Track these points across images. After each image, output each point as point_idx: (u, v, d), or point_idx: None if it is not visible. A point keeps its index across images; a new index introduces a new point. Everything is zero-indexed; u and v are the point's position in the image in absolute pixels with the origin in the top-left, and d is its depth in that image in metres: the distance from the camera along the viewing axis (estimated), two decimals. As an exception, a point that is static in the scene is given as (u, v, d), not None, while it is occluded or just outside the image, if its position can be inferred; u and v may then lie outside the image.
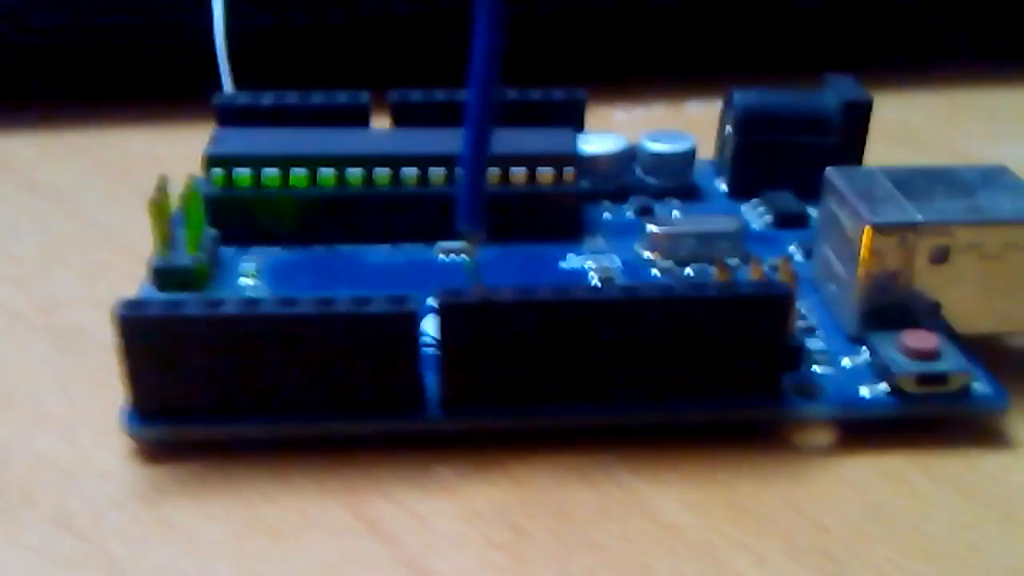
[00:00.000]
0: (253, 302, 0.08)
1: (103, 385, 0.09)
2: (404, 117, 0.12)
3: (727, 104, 0.12)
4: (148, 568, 0.08)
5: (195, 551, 0.08)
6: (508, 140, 0.10)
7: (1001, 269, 0.09)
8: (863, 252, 0.09)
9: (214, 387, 0.08)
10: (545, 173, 0.11)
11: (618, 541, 0.08)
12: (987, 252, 0.09)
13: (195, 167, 0.11)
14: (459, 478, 0.08)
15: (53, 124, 0.16)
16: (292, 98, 0.12)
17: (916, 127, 0.16)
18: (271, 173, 0.11)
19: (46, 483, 0.08)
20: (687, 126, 0.13)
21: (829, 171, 0.10)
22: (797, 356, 0.09)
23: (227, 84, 0.13)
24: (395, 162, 0.11)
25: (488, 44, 0.08)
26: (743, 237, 0.11)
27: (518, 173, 0.11)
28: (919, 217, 0.09)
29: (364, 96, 0.12)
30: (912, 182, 0.09)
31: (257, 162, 0.11)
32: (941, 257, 0.09)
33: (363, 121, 0.12)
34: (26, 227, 0.13)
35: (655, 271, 0.10)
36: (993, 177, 0.10)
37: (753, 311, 0.08)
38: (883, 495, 0.08)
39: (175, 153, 0.14)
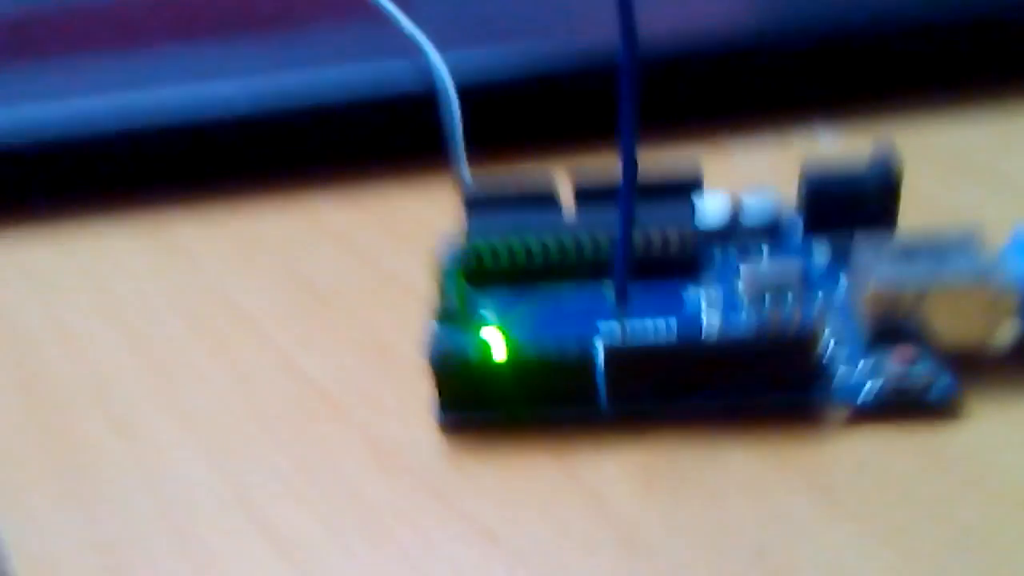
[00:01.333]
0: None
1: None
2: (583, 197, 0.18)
3: (801, 176, 0.17)
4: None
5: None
6: (645, 217, 0.16)
7: (962, 308, 0.14)
8: (867, 302, 0.15)
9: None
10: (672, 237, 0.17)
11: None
12: (950, 298, 0.14)
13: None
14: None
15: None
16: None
17: (964, 151, 0.21)
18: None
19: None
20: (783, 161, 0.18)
21: (857, 239, 0.15)
22: (821, 374, 0.14)
23: (464, 169, 0.19)
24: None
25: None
26: (802, 275, 0.16)
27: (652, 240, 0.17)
28: (905, 280, 0.14)
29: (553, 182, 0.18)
30: (904, 250, 0.15)
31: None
32: (918, 303, 0.14)
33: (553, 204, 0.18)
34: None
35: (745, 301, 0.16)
36: (958, 243, 0.15)
37: (780, 352, 0.14)
38: (886, 454, 0.14)
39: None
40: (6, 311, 0.20)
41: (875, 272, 0.15)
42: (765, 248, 0.17)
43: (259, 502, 0.14)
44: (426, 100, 0.21)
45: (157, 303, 0.19)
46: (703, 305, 0.16)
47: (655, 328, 0.15)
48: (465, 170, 0.20)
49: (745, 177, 0.19)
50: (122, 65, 0.24)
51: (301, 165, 0.22)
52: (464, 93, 0.21)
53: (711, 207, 0.17)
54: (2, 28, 0.27)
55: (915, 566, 0.12)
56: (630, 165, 0.13)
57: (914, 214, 0.17)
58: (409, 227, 0.20)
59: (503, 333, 0.15)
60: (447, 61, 0.21)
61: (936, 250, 0.15)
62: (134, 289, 0.20)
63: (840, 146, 0.21)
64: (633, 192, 0.14)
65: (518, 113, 0.22)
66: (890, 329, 0.15)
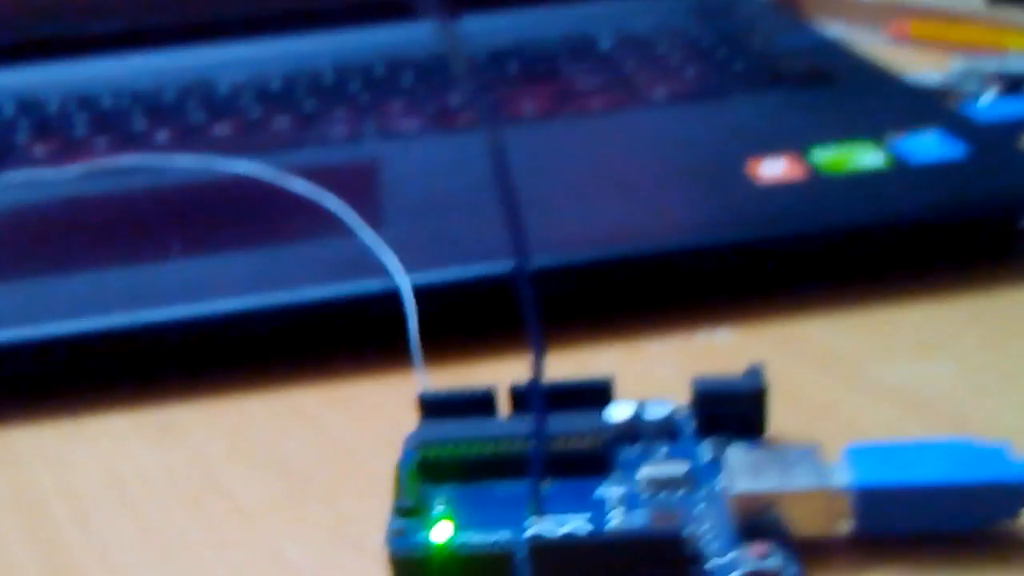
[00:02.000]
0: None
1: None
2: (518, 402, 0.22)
3: (691, 388, 0.21)
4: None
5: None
6: (561, 423, 0.20)
7: (807, 508, 0.18)
8: (731, 504, 0.18)
9: None
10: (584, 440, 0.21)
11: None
12: (798, 501, 0.18)
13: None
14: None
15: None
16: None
17: (833, 349, 0.25)
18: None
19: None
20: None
21: (727, 452, 0.19)
22: (693, 560, 0.18)
23: (420, 370, 0.24)
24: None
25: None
26: (692, 473, 0.20)
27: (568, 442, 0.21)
28: (754, 488, 0.18)
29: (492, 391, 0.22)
30: (761, 460, 0.19)
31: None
32: (773, 504, 0.18)
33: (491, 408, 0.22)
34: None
35: (643, 497, 0.20)
36: (803, 455, 0.19)
37: (656, 546, 0.18)
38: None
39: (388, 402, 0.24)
40: (25, 491, 0.23)
41: (737, 481, 0.18)
42: (663, 448, 0.21)
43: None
44: (391, 310, 0.25)
45: (160, 489, 0.23)
46: (609, 502, 0.20)
47: (568, 520, 0.19)
48: (422, 374, 0.24)
49: (655, 374, 0.23)
50: (124, 278, 0.28)
51: (284, 361, 0.27)
52: (422, 303, 0.25)
53: (618, 415, 0.21)
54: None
55: None
56: (538, 383, 0.17)
57: (785, 408, 0.21)
58: (376, 417, 0.24)
59: (452, 523, 0.19)
60: (410, 276, 0.25)
61: (786, 462, 0.19)
62: (139, 474, 0.23)
63: (735, 344, 0.26)
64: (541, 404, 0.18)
65: (470, 320, 0.26)
66: (753, 524, 0.18)
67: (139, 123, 0.39)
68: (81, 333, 0.26)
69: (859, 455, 0.19)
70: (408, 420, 0.22)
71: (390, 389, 0.25)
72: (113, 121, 0.40)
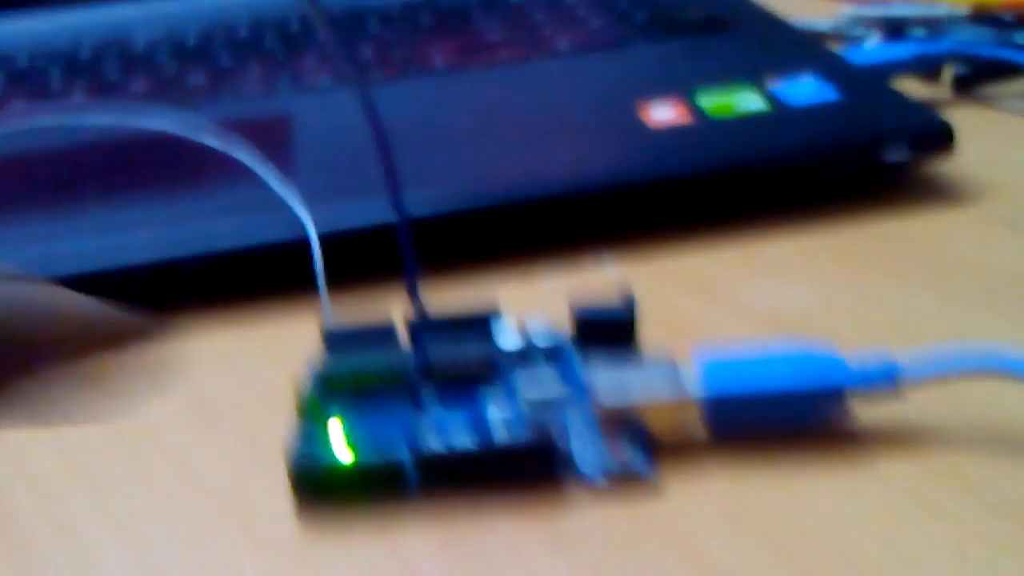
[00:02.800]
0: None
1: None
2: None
3: (569, 310, 0.23)
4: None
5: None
6: (447, 341, 0.22)
7: (662, 412, 0.21)
8: (597, 408, 0.21)
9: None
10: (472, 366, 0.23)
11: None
12: (648, 411, 0.21)
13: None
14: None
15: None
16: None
17: (710, 278, 0.28)
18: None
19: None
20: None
21: (592, 370, 0.21)
22: (565, 462, 0.20)
23: (326, 307, 0.25)
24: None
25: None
26: (569, 391, 0.22)
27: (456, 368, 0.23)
28: (615, 403, 0.20)
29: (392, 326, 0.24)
30: (625, 375, 0.21)
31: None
32: (634, 408, 0.21)
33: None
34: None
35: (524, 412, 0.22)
36: (662, 367, 0.21)
37: (531, 455, 0.20)
38: (600, 523, 0.20)
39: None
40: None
41: (601, 395, 0.21)
42: (546, 370, 0.23)
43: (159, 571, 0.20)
44: (300, 255, 0.27)
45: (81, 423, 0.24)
46: (492, 419, 0.22)
47: (454, 435, 0.21)
48: (327, 307, 0.25)
49: (544, 304, 0.25)
50: (37, 234, 0.29)
51: (199, 304, 0.28)
52: (328, 247, 0.27)
53: (505, 338, 0.23)
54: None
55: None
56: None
57: (662, 329, 0.23)
58: (282, 350, 0.26)
59: (346, 440, 0.21)
60: (312, 214, 0.27)
61: (646, 374, 0.21)
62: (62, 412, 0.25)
63: (618, 272, 0.28)
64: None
65: (373, 254, 0.28)
66: (620, 429, 0.21)
67: (55, 81, 0.40)
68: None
69: (711, 366, 0.21)
70: (312, 353, 0.24)
71: (297, 326, 0.27)
72: (29, 79, 0.41)
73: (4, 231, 0.30)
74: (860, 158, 0.30)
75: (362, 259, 0.28)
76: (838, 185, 0.31)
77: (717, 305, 0.26)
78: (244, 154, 0.31)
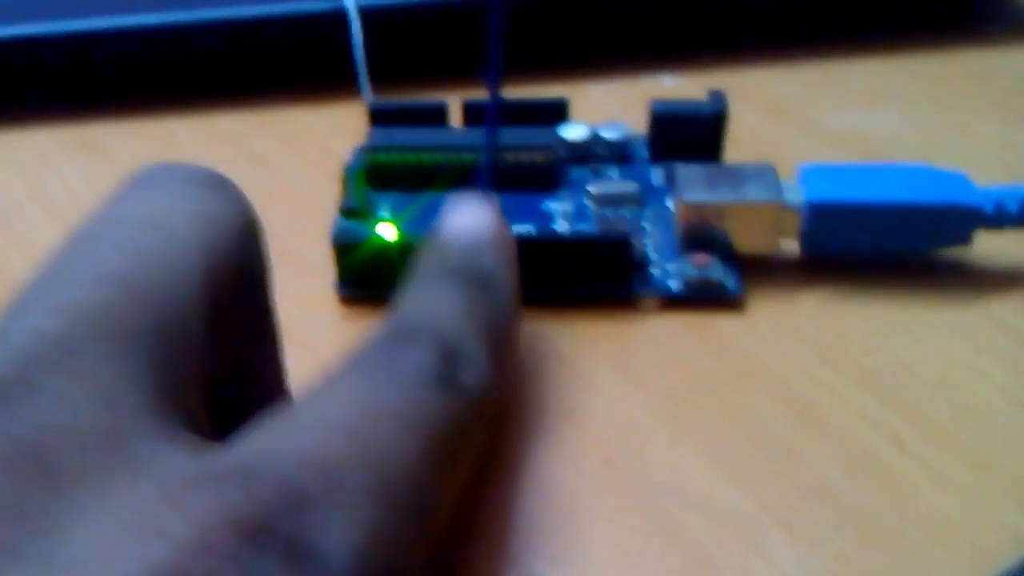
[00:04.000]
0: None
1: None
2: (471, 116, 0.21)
3: (648, 110, 0.21)
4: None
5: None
6: (515, 135, 0.19)
7: (755, 222, 0.18)
8: (679, 214, 0.18)
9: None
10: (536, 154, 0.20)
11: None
12: (747, 214, 0.18)
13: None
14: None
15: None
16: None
17: (784, 98, 0.25)
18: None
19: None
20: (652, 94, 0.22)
21: (677, 165, 0.19)
22: (637, 266, 0.18)
23: (366, 90, 0.22)
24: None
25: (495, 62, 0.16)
26: (641, 193, 0.20)
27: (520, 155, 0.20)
28: (703, 198, 0.18)
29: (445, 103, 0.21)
30: (715, 174, 0.18)
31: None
32: (721, 217, 0.18)
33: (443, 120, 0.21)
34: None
35: (591, 212, 0.20)
36: (759, 172, 0.18)
37: (602, 247, 0.18)
38: (678, 336, 0.18)
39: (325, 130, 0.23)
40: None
41: (687, 191, 0.18)
42: (614, 171, 0.21)
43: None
44: (332, 25, 0.24)
45: (85, 200, 0.22)
46: (558, 213, 0.19)
47: (515, 229, 0.18)
48: (367, 88, 0.22)
49: (601, 112, 0.23)
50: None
51: (211, 81, 0.25)
52: (367, 19, 0.23)
53: (572, 133, 0.21)
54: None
55: (684, 428, 0.16)
56: (496, 94, 0.16)
57: (736, 150, 0.21)
58: (309, 142, 0.23)
59: (396, 226, 0.18)
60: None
61: (739, 177, 0.18)
62: (64, 186, 0.22)
63: (679, 89, 0.25)
64: (495, 115, 0.17)
65: (415, 42, 0.25)
66: (698, 238, 0.18)
67: None
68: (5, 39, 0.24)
69: (815, 174, 0.18)
70: (340, 147, 0.21)
71: (320, 116, 0.24)
72: None
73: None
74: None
75: (398, 42, 0.25)
76: (923, 8, 0.28)
77: (795, 126, 0.24)
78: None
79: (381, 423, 0.10)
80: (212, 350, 0.11)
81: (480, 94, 0.21)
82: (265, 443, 0.10)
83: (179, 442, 0.10)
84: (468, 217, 0.15)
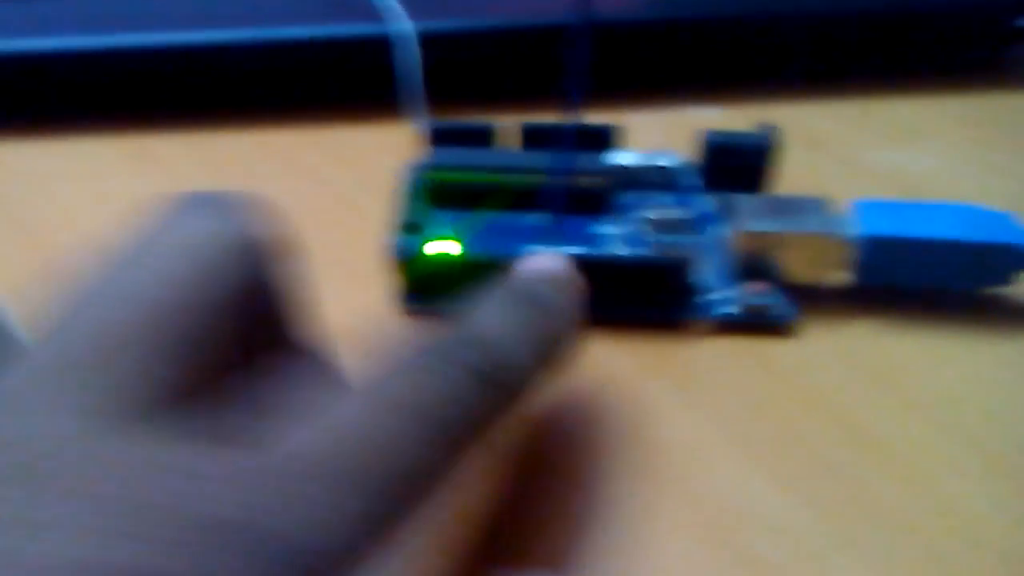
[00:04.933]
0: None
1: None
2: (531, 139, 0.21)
3: (704, 139, 0.21)
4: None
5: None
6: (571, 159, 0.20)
7: (809, 253, 0.19)
8: (737, 242, 0.19)
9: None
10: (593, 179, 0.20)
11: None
12: (802, 244, 0.19)
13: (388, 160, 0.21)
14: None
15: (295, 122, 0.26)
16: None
17: (826, 134, 0.25)
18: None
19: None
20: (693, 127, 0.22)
21: (736, 196, 0.19)
22: (691, 291, 0.19)
23: (423, 113, 0.23)
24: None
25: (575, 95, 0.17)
26: (692, 220, 0.20)
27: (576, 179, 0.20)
28: (763, 227, 0.19)
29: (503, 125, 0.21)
30: (773, 205, 0.19)
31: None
32: (777, 247, 0.19)
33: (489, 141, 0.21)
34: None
35: (646, 237, 0.20)
36: (812, 205, 0.19)
37: (660, 271, 0.18)
38: (733, 360, 0.18)
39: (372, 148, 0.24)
40: (13, 202, 0.22)
41: (746, 220, 0.19)
42: (665, 197, 0.21)
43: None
44: (383, 56, 0.24)
45: (143, 203, 0.22)
46: (614, 237, 0.20)
47: (574, 248, 0.19)
48: (422, 109, 0.23)
49: (644, 141, 0.23)
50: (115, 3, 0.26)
51: (264, 98, 0.26)
52: (424, 43, 0.24)
53: (625, 159, 0.21)
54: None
55: (744, 449, 0.16)
56: (573, 119, 0.17)
57: (782, 186, 0.21)
58: (357, 160, 0.24)
59: (456, 241, 0.19)
60: (411, 18, 0.24)
61: (796, 208, 0.19)
62: (120, 187, 0.23)
63: (721, 121, 0.26)
64: (572, 140, 0.17)
65: (470, 67, 0.25)
66: (754, 266, 0.19)
67: None
68: (65, 51, 0.24)
69: (869, 208, 0.19)
70: (389, 164, 0.22)
71: (376, 136, 0.25)
72: None
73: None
74: (988, 21, 0.28)
75: (452, 67, 0.25)
76: (959, 50, 0.29)
77: (835, 162, 0.24)
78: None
79: (407, 420, 0.11)
80: (231, 361, 0.12)
81: (529, 117, 0.21)
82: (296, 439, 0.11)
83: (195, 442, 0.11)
84: (539, 261, 0.16)
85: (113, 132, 0.25)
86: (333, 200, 0.22)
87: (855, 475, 0.16)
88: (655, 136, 0.25)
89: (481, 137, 0.21)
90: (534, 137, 0.21)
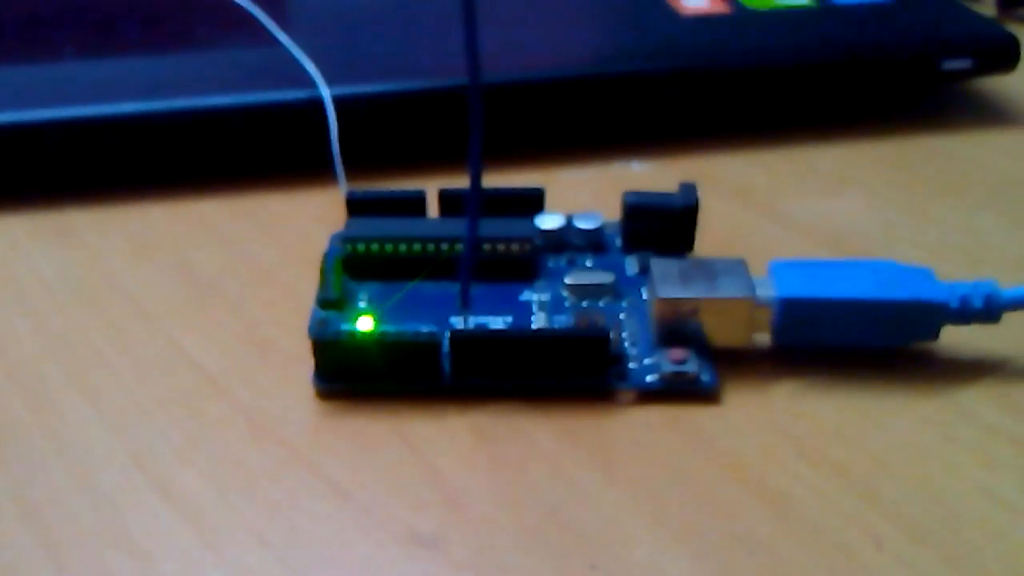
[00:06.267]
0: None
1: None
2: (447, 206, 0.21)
3: (622, 201, 0.21)
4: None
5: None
6: (493, 227, 0.19)
7: (728, 317, 0.18)
8: (655, 309, 0.18)
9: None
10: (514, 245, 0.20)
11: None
12: (720, 309, 0.18)
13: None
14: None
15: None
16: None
17: (749, 185, 0.25)
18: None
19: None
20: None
21: (652, 261, 0.19)
22: (615, 360, 0.18)
23: (342, 181, 0.23)
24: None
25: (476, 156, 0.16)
26: (617, 284, 0.20)
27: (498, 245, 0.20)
28: (678, 294, 0.18)
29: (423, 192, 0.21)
30: (688, 270, 0.19)
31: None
32: (695, 312, 0.18)
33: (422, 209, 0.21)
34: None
35: (568, 303, 0.20)
36: (731, 267, 0.19)
37: (580, 343, 0.18)
38: (656, 430, 0.18)
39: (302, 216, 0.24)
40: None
41: (662, 285, 0.18)
42: (589, 260, 0.21)
43: (154, 465, 0.17)
44: (307, 117, 0.24)
45: (57, 290, 0.22)
46: (534, 305, 0.20)
47: (492, 321, 0.19)
48: (342, 178, 0.23)
49: (573, 199, 0.23)
50: (32, 76, 0.26)
51: (190, 171, 0.25)
52: (342, 112, 0.24)
53: (548, 223, 0.21)
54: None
55: (667, 527, 0.16)
56: (476, 186, 0.17)
57: (703, 236, 0.21)
58: (286, 229, 0.23)
59: (373, 319, 0.19)
60: (329, 84, 0.24)
61: (712, 272, 0.19)
62: (35, 275, 0.22)
63: (648, 175, 0.26)
64: (479, 208, 0.17)
65: (389, 132, 0.25)
66: (673, 331, 0.19)
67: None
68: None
69: (784, 269, 0.19)
70: (317, 234, 0.22)
71: (297, 203, 0.24)
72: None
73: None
74: (914, 63, 0.28)
75: (371, 131, 0.25)
76: (886, 95, 0.29)
77: (760, 214, 0.24)
78: (244, 6, 0.27)
79: None
80: None
81: (455, 181, 0.21)
82: None
83: None
84: None
85: (29, 208, 0.24)
86: (260, 272, 0.22)
87: (775, 549, 0.16)
88: (582, 194, 0.25)
89: (404, 205, 0.21)
90: (450, 204, 0.21)
